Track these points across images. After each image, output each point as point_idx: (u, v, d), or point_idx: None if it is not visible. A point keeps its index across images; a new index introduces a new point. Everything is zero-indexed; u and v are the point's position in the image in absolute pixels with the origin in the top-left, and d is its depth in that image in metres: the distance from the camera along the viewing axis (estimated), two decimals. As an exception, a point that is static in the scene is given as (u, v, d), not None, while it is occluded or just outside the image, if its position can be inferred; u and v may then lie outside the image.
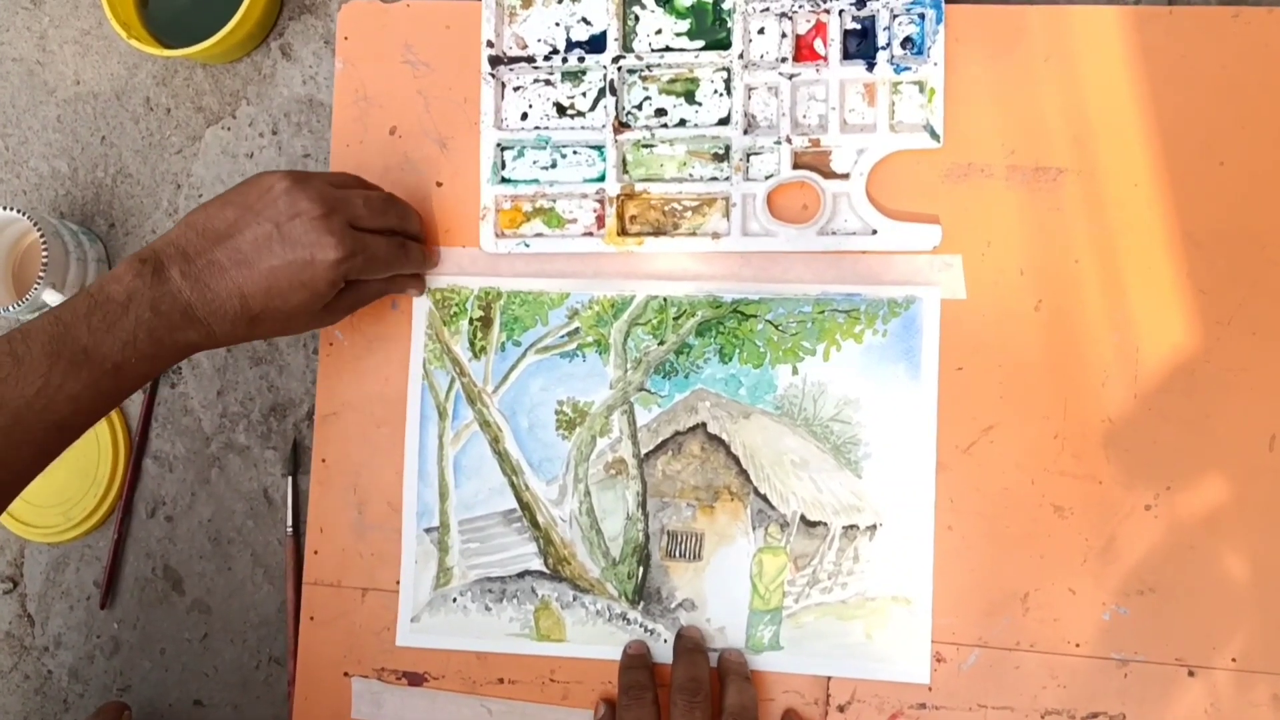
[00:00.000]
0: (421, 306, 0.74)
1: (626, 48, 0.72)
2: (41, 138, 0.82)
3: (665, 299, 0.72)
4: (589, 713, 0.72)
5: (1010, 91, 0.70)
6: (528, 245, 0.73)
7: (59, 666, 0.81)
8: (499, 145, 0.74)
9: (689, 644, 0.69)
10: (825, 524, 0.70)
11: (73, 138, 0.82)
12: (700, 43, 0.72)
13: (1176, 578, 0.67)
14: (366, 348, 0.75)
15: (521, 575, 0.73)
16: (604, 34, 0.72)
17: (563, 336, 0.73)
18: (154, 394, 0.79)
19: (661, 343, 0.72)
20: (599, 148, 0.73)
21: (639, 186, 0.72)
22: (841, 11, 0.70)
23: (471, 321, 0.74)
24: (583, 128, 0.73)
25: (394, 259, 0.68)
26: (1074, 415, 0.68)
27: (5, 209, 0.74)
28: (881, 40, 0.70)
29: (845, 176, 0.70)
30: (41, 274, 0.73)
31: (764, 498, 0.70)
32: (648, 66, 0.72)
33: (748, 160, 0.71)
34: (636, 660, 0.70)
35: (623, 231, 0.72)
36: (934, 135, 0.69)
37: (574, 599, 0.72)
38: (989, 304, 0.69)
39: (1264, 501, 0.67)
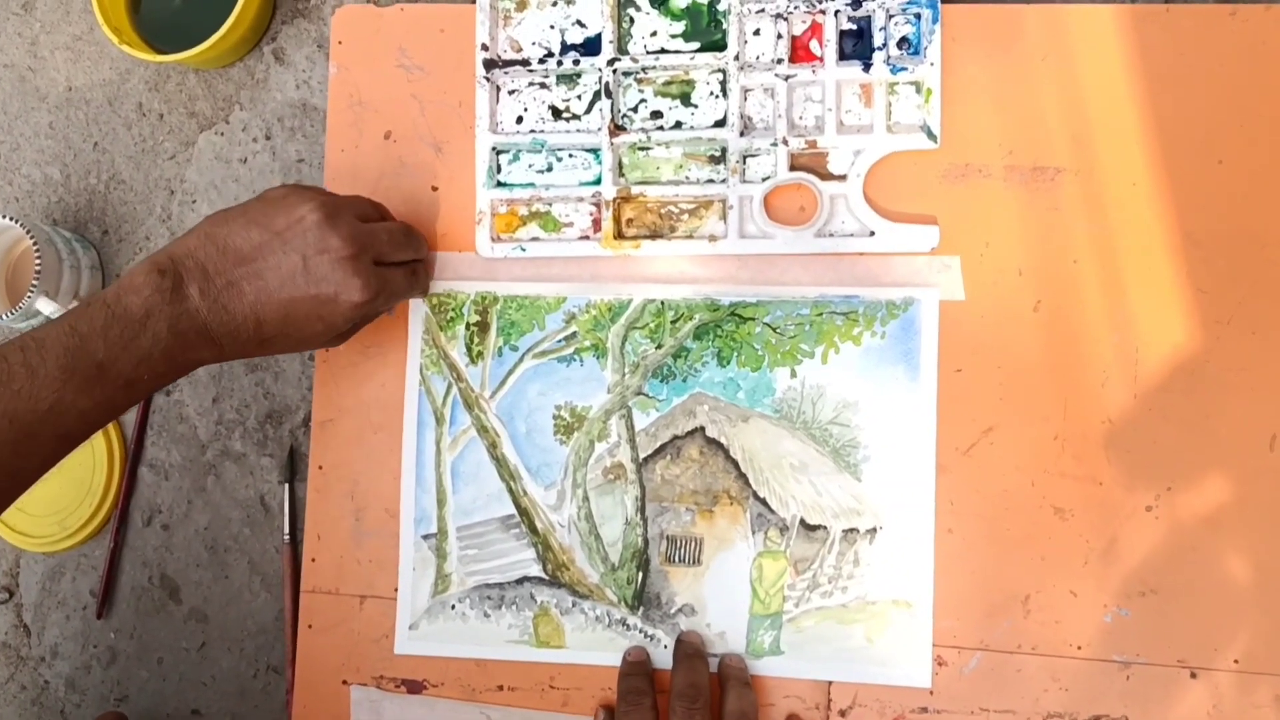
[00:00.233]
0: (418, 312, 0.74)
1: (622, 50, 0.72)
2: (33, 144, 0.82)
3: (663, 302, 0.72)
4: (589, 719, 0.71)
5: (1007, 91, 0.69)
6: (524, 249, 0.73)
7: (56, 677, 0.81)
8: (494, 149, 0.73)
9: (689, 649, 0.69)
10: (825, 527, 0.69)
11: (65, 144, 0.81)
12: (695, 44, 0.72)
13: (1178, 579, 0.67)
14: (363, 353, 0.75)
15: (520, 581, 0.72)
16: (599, 36, 0.72)
17: (560, 341, 0.73)
18: (149, 402, 0.79)
19: (659, 346, 0.71)
20: (595, 151, 0.73)
21: (635, 189, 0.72)
22: (837, 12, 0.70)
23: (468, 326, 0.73)
24: (578, 131, 0.73)
25: (409, 290, 0.70)
26: (1074, 416, 0.68)
27: (-3, 217, 0.74)
28: (878, 41, 0.69)
29: (842, 178, 0.70)
30: (35, 282, 0.73)
31: (763, 501, 0.70)
32: (643, 69, 0.72)
33: (744, 162, 0.71)
34: (636, 667, 0.69)
35: (619, 235, 0.72)
36: (931, 136, 0.69)
37: (573, 605, 0.72)
38: (988, 305, 0.69)
39: (1265, 502, 0.66)
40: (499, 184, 0.73)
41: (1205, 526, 0.67)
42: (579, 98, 0.73)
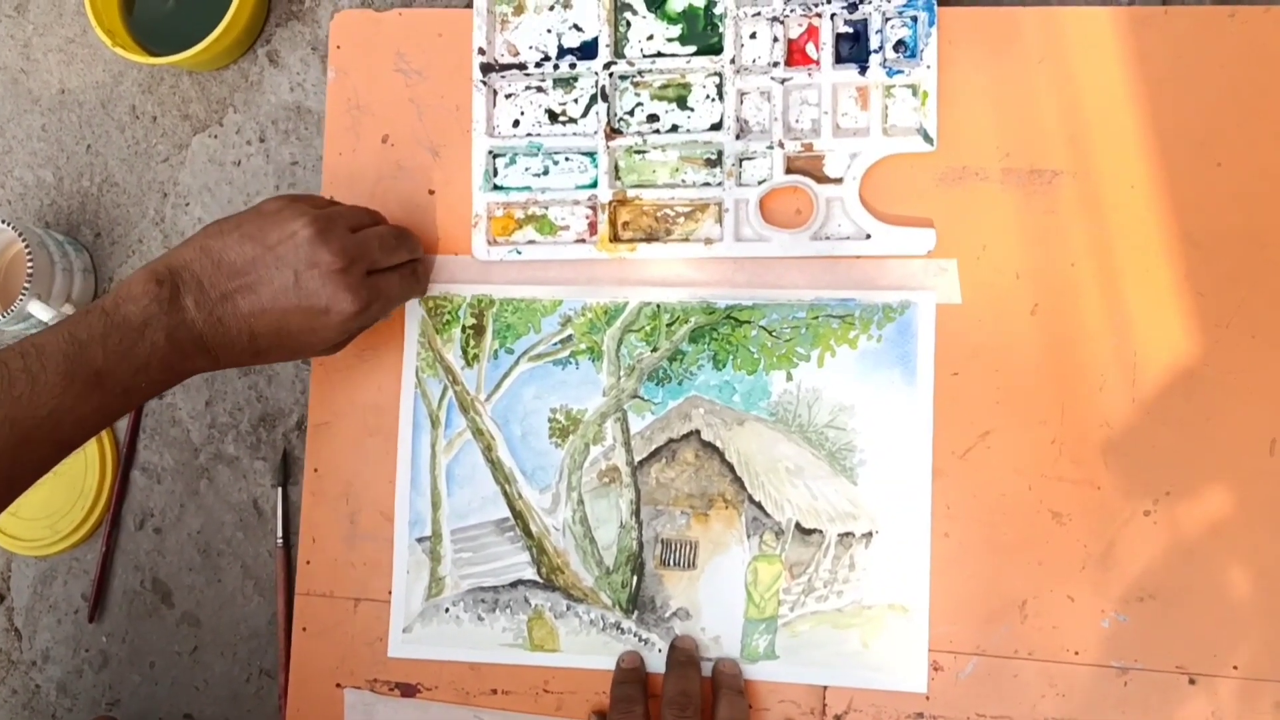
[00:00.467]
0: (414, 314, 0.74)
1: (618, 54, 0.72)
2: (26, 147, 0.81)
3: (658, 305, 0.71)
4: (583, 724, 0.71)
5: (1004, 94, 0.69)
6: (520, 252, 0.72)
7: (47, 681, 0.80)
8: (491, 152, 0.73)
9: (681, 656, 0.69)
10: (821, 531, 0.69)
11: (58, 147, 0.81)
12: (692, 48, 0.71)
13: (1177, 584, 0.66)
14: (358, 356, 0.74)
15: (514, 585, 0.72)
16: (595, 40, 0.72)
17: (555, 344, 0.72)
18: (142, 405, 0.78)
19: (655, 349, 0.71)
20: (591, 154, 0.72)
21: (631, 193, 0.71)
22: (834, 15, 0.69)
23: (464, 329, 0.73)
24: (575, 134, 0.72)
25: (406, 293, 0.70)
26: (1072, 420, 0.68)
27: (-10, 218, 0.73)
28: (874, 43, 0.69)
29: (838, 181, 0.70)
30: (27, 285, 0.72)
31: (759, 505, 0.70)
32: (639, 72, 0.71)
33: (740, 165, 0.71)
34: (628, 674, 0.69)
35: (615, 238, 0.72)
36: (927, 139, 0.69)
37: (567, 608, 0.71)
38: (985, 308, 0.69)
39: (1265, 506, 0.66)
40: (495, 187, 0.73)
41: (1205, 532, 0.66)
42: (575, 101, 0.73)
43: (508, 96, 0.74)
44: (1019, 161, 0.69)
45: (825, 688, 0.69)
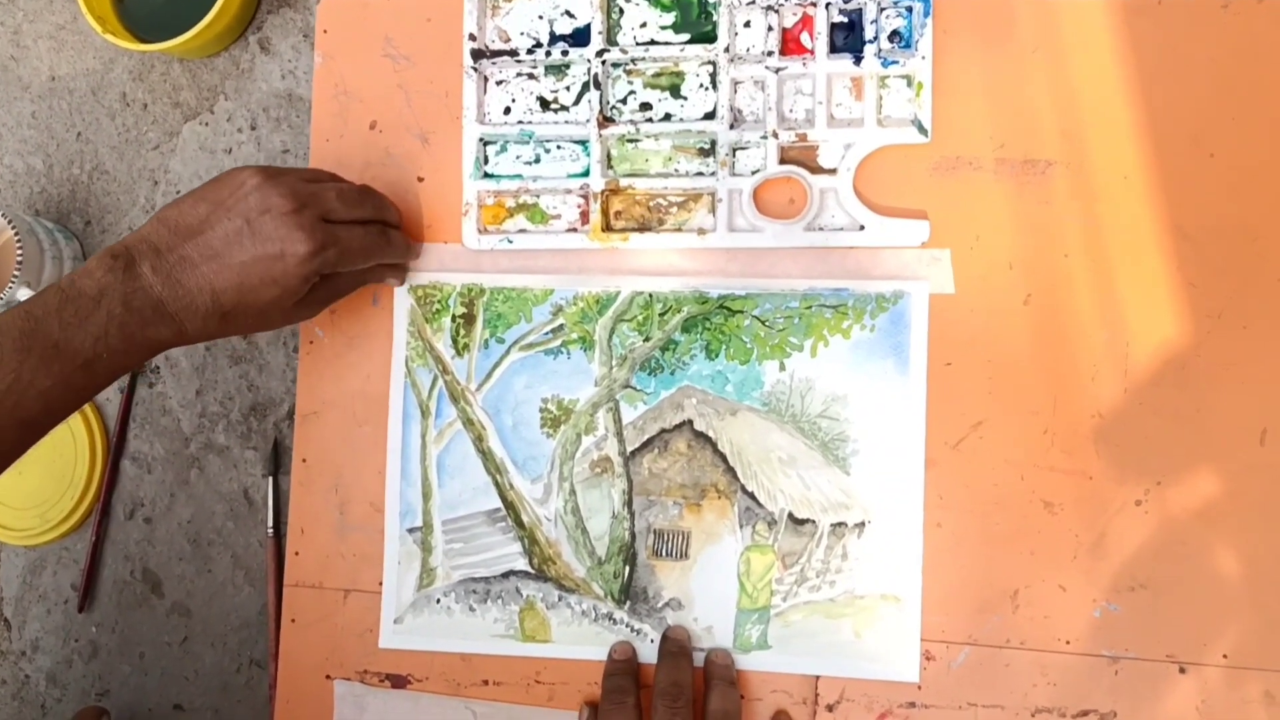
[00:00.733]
0: (403, 303, 0.73)
1: (611, 41, 0.71)
2: (16, 134, 0.81)
3: (651, 295, 0.71)
4: (575, 714, 0.71)
5: (999, 84, 0.69)
6: (511, 241, 0.72)
7: (36, 671, 0.80)
8: (481, 140, 0.73)
9: (673, 646, 0.68)
10: (813, 521, 0.69)
11: (48, 134, 0.80)
12: (685, 36, 0.71)
13: (1167, 574, 0.66)
14: (347, 345, 0.74)
15: (506, 575, 0.72)
16: (588, 27, 0.72)
17: (547, 333, 0.72)
18: (131, 394, 0.78)
19: (647, 339, 0.71)
20: (583, 142, 0.72)
21: (624, 182, 0.71)
22: (828, 4, 0.69)
23: (454, 318, 0.73)
24: (566, 122, 0.72)
25: (373, 248, 0.67)
26: (1064, 410, 0.68)
27: (-22, 206, 0.73)
28: (869, 34, 0.69)
29: (832, 171, 0.70)
30: (16, 272, 0.72)
31: (751, 495, 0.70)
32: (632, 60, 0.71)
33: (734, 155, 0.70)
34: (620, 665, 0.69)
35: (607, 227, 0.71)
36: (922, 130, 0.68)
37: (559, 599, 0.71)
38: (978, 298, 0.69)
39: (1255, 496, 0.66)
40: (486, 175, 0.73)
41: (1195, 521, 0.66)
42: (567, 89, 0.73)
43: (499, 83, 0.73)
44: (1013, 152, 0.69)
45: (817, 678, 0.69)
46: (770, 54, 0.70)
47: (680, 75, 0.71)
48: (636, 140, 0.71)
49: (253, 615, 0.76)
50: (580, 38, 0.72)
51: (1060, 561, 0.67)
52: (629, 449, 0.71)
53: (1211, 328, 0.67)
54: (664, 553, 0.70)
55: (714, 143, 0.70)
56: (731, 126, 0.70)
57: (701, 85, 0.71)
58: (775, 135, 0.69)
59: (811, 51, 0.70)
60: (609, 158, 0.72)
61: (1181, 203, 0.67)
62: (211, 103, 0.78)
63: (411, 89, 0.74)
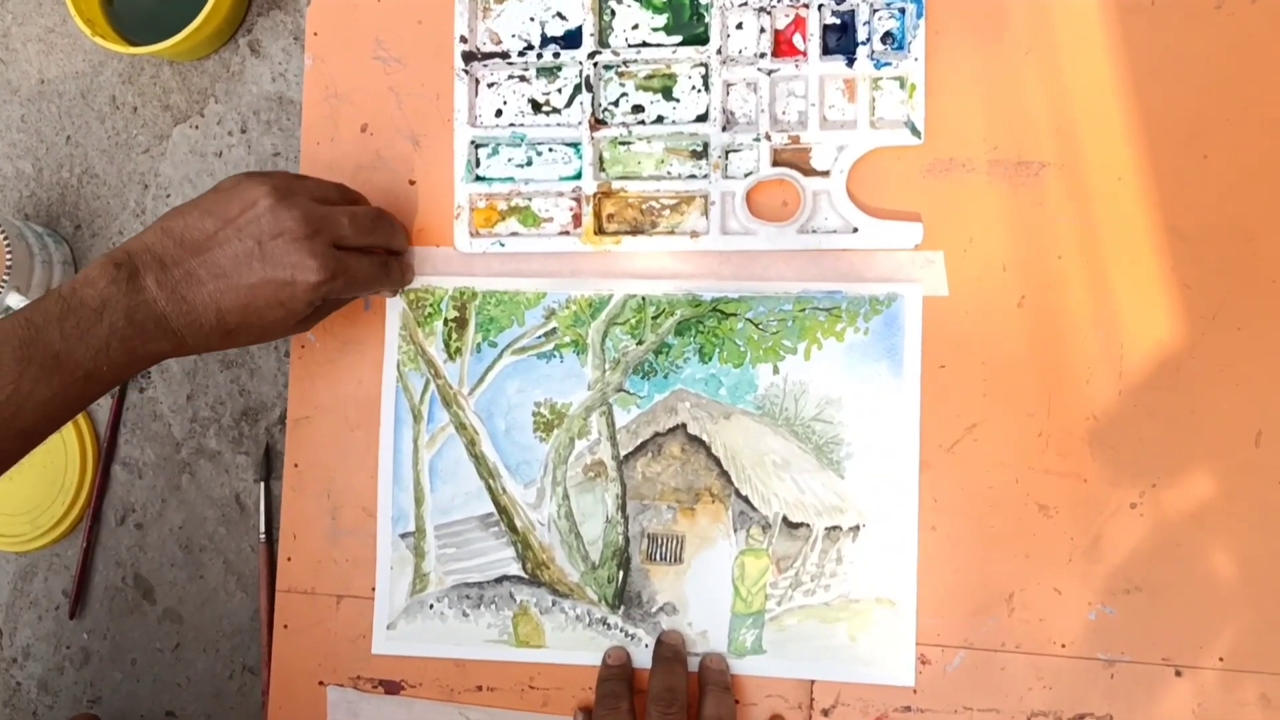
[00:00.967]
0: (395, 307, 0.73)
1: (603, 43, 0.71)
2: (4, 138, 0.80)
3: (644, 298, 0.71)
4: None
5: (992, 85, 0.69)
6: (503, 244, 0.72)
7: (28, 678, 0.79)
8: (473, 143, 0.72)
9: (667, 652, 0.68)
10: (808, 525, 0.69)
11: (37, 138, 0.80)
12: (678, 38, 0.71)
13: (1163, 576, 0.66)
14: (339, 350, 0.74)
15: (499, 580, 0.72)
16: (579, 29, 0.71)
17: (539, 337, 0.72)
18: (122, 399, 0.78)
19: (640, 342, 0.71)
20: (575, 145, 0.72)
21: (616, 184, 0.71)
22: (821, 6, 0.69)
23: (446, 322, 0.72)
24: (558, 125, 0.72)
25: (374, 279, 0.67)
26: (1058, 412, 0.67)
27: (-33, 211, 0.72)
28: (861, 35, 0.69)
29: (825, 174, 0.69)
30: (5, 277, 0.71)
31: (745, 499, 0.69)
32: (624, 62, 0.71)
33: (726, 158, 0.70)
34: (614, 670, 0.69)
35: (600, 230, 0.71)
36: (915, 132, 0.68)
37: (553, 604, 0.71)
38: (971, 300, 0.68)
39: (1251, 498, 0.66)
40: (478, 178, 0.72)
41: (1190, 523, 0.66)
42: (559, 91, 0.72)
43: (490, 86, 0.73)
44: (1006, 153, 0.68)
45: (813, 682, 0.69)
46: (763, 56, 0.69)
47: (672, 77, 0.71)
48: (629, 143, 0.71)
49: (245, 621, 0.76)
50: (572, 40, 0.72)
51: (1055, 564, 0.67)
52: (622, 453, 0.71)
53: (1206, 329, 0.66)
54: (658, 557, 0.70)
55: (706, 145, 0.70)
56: (724, 129, 0.70)
57: (694, 87, 0.71)
58: (768, 137, 0.69)
59: (804, 53, 0.69)
60: (601, 160, 0.71)
61: (1176, 204, 0.67)
62: (202, 106, 0.78)
63: (402, 91, 0.74)
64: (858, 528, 0.68)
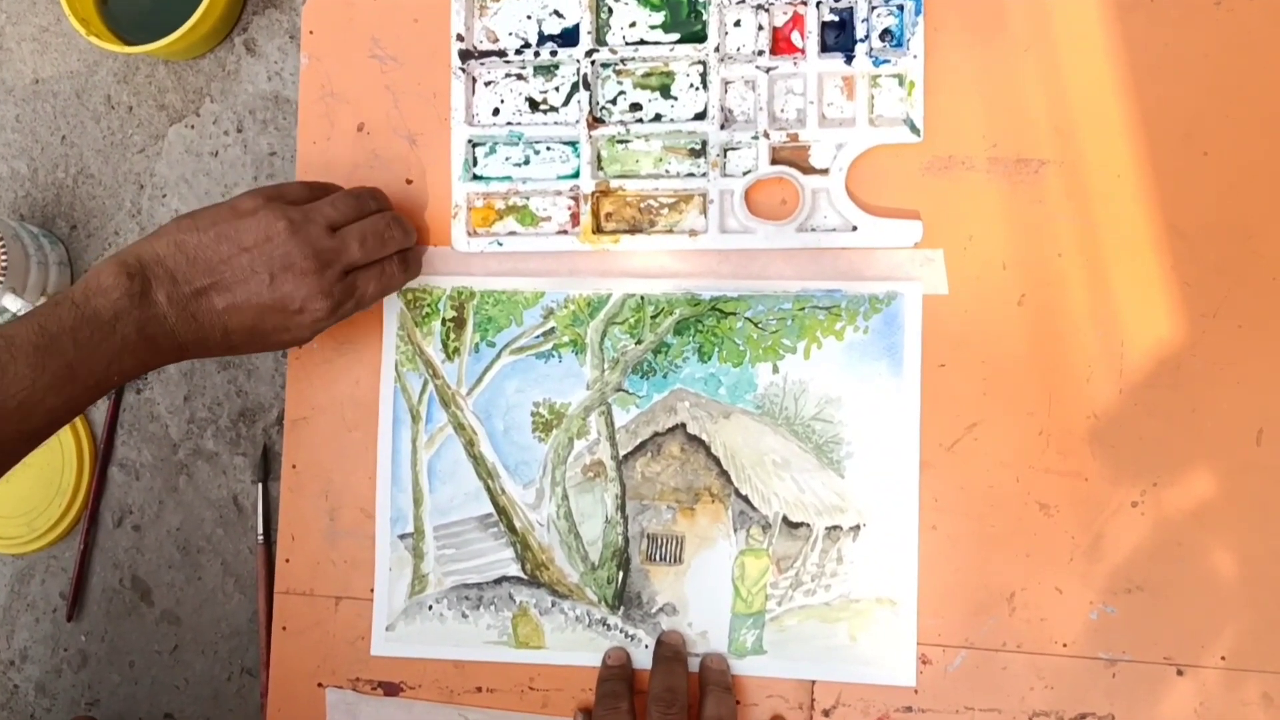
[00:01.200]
0: (393, 307, 0.73)
1: (600, 41, 0.71)
2: (-1, 138, 0.80)
3: (642, 297, 0.70)
4: (569, 721, 0.71)
5: (991, 83, 0.68)
6: (501, 244, 0.71)
7: (25, 681, 0.79)
8: (470, 141, 0.72)
9: (668, 652, 0.68)
10: (808, 525, 0.69)
11: (32, 138, 0.79)
12: (675, 36, 0.71)
13: (1164, 575, 0.66)
14: (336, 350, 0.73)
15: (499, 581, 0.71)
16: (577, 27, 0.71)
17: (538, 337, 0.71)
18: (119, 400, 0.77)
19: (639, 342, 0.70)
20: (573, 144, 0.71)
21: (614, 183, 0.70)
22: (819, 3, 0.68)
23: (444, 322, 0.72)
24: (556, 123, 0.71)
25: (384, 293, 0.68)
26: (1059, 411, 0.67)
27: (-39, 212, 0.72)
28: (860, 32, 0.68)
29: (824, 172, 0.69)
30: (1, 278, 0.71)
31: (745, 499, 0.69)
32: (622, 60, 0.70)
33: (725, 156, 0.70)
34: (614, 671, 0.68)
35: (598, 229, 0.71)
36: (914, 129, 0.68)
37: (553, 605, 0.71)
38: (971, 299, 0.68)
39: (1252, 497, 0.66)
40: (475, 177, 0.72)
41: (1192, 522, 0.66)
42: (556, 89, 0.72)
43: (487, 84, 0.72)
44: (1005, 151, 0.68)
45: (814, 682, 0.69)
46: (761, 53, 0.69)
47: (670, 75, 0.71)
48: (627, 141, 0.71)
49: (243, 623, 0.76)
50: (569, 38, 0.71)
51: (1057, 564, 0.67)
52: (622, 453, 0.70)
53: (1207, 327, 0.66)
54: (658, 557, 0.70)
55: (705, 143, 0.70)
56: (722, 127, 0.69)
57: (692, 85, 0.71)
58: (766, 135, 0.69)
59: (802, 50, 0.69)
60: (599, 159, 0.71)
61: (1176, 201, 0.67)
62: (197, 105, 0.77)
63: (399, 90, 0.73)
64: (858, 527, 0.68)
